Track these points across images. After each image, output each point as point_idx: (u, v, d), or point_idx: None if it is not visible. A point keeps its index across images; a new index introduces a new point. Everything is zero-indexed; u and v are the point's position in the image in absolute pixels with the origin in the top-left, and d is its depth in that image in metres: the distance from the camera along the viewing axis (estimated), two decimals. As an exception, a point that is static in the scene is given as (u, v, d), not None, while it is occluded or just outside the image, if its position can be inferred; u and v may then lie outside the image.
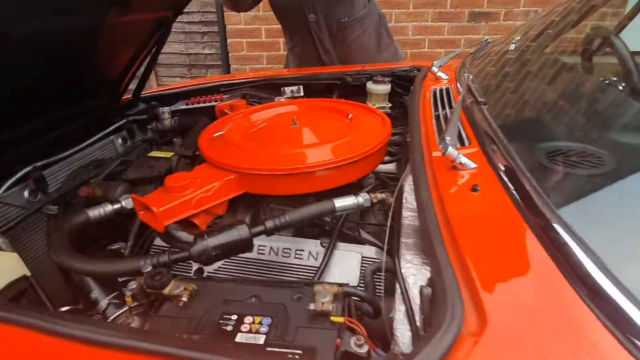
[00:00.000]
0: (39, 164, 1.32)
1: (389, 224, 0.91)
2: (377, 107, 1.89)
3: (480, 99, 1.07)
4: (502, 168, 0.78)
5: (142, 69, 1.89)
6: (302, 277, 1.02)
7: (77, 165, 1.52)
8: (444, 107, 1.18)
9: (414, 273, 0.72)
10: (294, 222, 0.93)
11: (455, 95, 1.27)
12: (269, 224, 0.90)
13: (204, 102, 2.01)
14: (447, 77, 1.50)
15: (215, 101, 2.00)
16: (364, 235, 1.16)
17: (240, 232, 0.86)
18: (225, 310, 0.71)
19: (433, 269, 0.62)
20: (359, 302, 0.79)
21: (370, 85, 1.88)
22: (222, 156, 1.08)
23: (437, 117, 1.12)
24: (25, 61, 1.27)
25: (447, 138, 0.81)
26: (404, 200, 0.93)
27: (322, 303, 0.68)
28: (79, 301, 1.06)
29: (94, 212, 1.01)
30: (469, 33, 3.79)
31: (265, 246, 1.07)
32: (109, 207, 1.03)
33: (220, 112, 1.65)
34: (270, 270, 1.04)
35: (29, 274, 0.97)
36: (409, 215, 0.88)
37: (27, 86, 1.36)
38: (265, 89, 2.13)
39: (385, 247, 0.88)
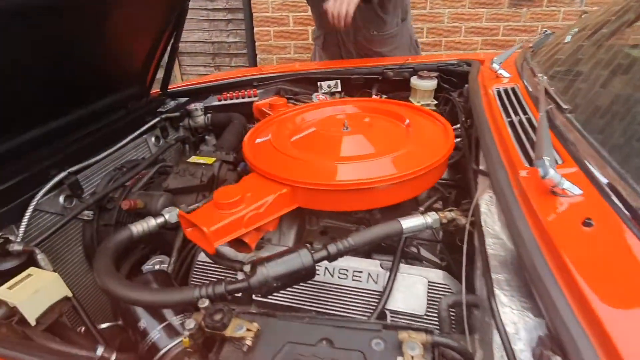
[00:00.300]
0: (73, 168, 1.25)
1: (464, 249, 0.81)
2: (422, 104, 1.77)
3: (564, 106, 0.94)
4: (616, 196, 0.66)
5: (165, 57, 1.80)
6: (362, 302, 0.93)
7: (111, 167, 1.46)
8: (516, 113, 1.05)
9: (514, 321, 0.62)
10: (359, 246, 0.83)
11: (525, 96, 1.14)
12: (332, 248, 0.81)
13: (237, 98, 1.91)
14: (508, 75, 1.36)
15: (249, 97, 1.91)
16: (425, 253, 1.06)
17: (303, 259, 0.77)
18: (296, 358, 0.62)
19: (555, 328, 0.52)
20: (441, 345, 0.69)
21: (415, 80, 1.75)
22: (274, 167, 0.99)
23: (512, 125, 0.99)
24: (46, 53, 1.20)
25: (546, 159, 0.69)
26: (482, 224, 0.82)
27: (412, 357, 0.58)
28: (118, 316, 1.00)
29: (138, 228, 0.93)
30: (509, 20, 3.57)
31: (319, 266, 0.98)
32: (152, 222, 0.96)
33: (259, 112, 1.56)
34: (326, 294, 0.95)
35: (70, 294, 0.91)
36: (492, 243, 0.78)
37: (52, 80, 1.29)
38: (300, 83, 2.02)
39: (464, 279, 0.77)
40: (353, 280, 0.96)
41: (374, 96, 1.92)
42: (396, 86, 1.92)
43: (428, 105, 1.77)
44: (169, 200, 1.06)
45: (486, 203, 0.87)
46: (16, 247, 0.96)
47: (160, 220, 0.98)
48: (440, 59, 1.90)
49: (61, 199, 1.24)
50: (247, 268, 0.96)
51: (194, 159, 1.21)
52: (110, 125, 1.63)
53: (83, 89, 1.48)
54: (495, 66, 1.38)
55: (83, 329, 0.95)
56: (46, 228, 1.19)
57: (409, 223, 0.88)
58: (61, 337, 0.86)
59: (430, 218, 0.89)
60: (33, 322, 0.82)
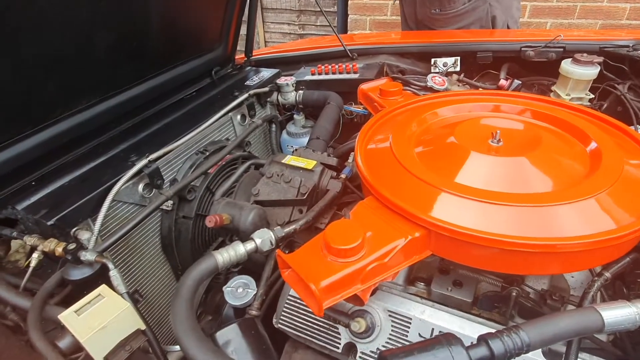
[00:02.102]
0: (154, 155, 1.09)
1: None
2: (573, 98, 1.36)
3: None
4: None
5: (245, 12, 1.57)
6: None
7: (194, 149, 1.29)
8: None
9: None
10: (537, 347, 0.56)
11: None
12: (497, 347, 0.54)
13: (334, 73, 1.64)
14: None
15: (348, 72, 1.62)
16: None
17: (456, 357, 0.52)
18: None
19: None
20: None
21: (568, 66, 1.33)
22: (403, 196, 0.72)
23: None
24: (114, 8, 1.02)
25: None
26: None
27: None
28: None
29: (224, 257, 0.74)
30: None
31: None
32: (241, 250, 0.76)
33: (365, 97, 1.28)
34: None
35: (143, 326, 0.75)
36: None
37: (122, 42, 1.11)
38: (409, 58, 1.69)
39: None
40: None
41: (502, 81, 1.54)
42: (535, 69, 1.51)
43: (580, 99, 1.36)
44: (259, 217, 0.86)
45: None
46: (88, 256, 0.82)
47: (250, 247, 0.77)
48: (605, 36, 1.44)
49: (140, 187, 1.09)
50: (355, 326, 0.74)
51: (290, 159, 0.98)
52: (195, 98, 1.46)
53: (159, 52, 1.31)
54: None
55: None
56: (124, 220, 1.05)
57: (613, 314, 0.58)
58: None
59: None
60: (100, 361, 0.68)
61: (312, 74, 1.67)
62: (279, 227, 0.82)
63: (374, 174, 0.79)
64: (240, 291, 0.91)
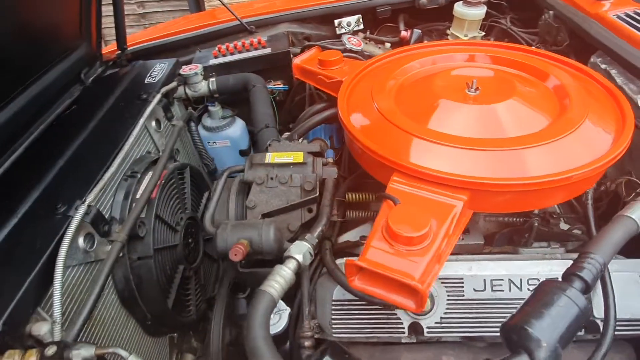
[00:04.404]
0: (90, 197, 0.84)
1: None
2: (470, 39, 1.51)
3: None
4: None
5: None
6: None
7: (119, 177, 1.03)
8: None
9: None
10: (609, 260, 0.62)
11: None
12: (587, 275, 0.59)
13: (240, 52, 1.48)
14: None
15: (256, 49, 1.48)
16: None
17: (578, 303, 0.55)
18: None
19: None
20: None
21: (462, 9, 1.45)
22: (441, 162, 0.71)
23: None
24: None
25: None
26: None
27: None
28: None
29: (277, 289, 0.62)
30: None
31: (502, 279, 0.77)
32: (287, 274, 0.65)
33: (303, 72, 1.18)
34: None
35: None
36: None
37: None
38: (310, 23, 1.62)
39: None
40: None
41: (402, 32, 1.61)
42: (428, 17, 1.62)
43: (475, 38, 1.51)
44: (278, 230, 0.74)
45: None
46: (84, 353, 0.60)
47: (293, 266, 0.67)
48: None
49: (80, 241, 0.84)
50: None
51: (272, 157, 0.86)
52: (91, 111, 1.16)
53: (17, 64, 1.00)
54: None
55: None
56: (72, 290, 0.81)
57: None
58: None
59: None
60: None
61: (216, 57, 1.48)
62: (308, 234, 0.73)
63: (395, 153, 0.75)
64: (272, 316, 0.80)
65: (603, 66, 1.05)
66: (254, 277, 0.79)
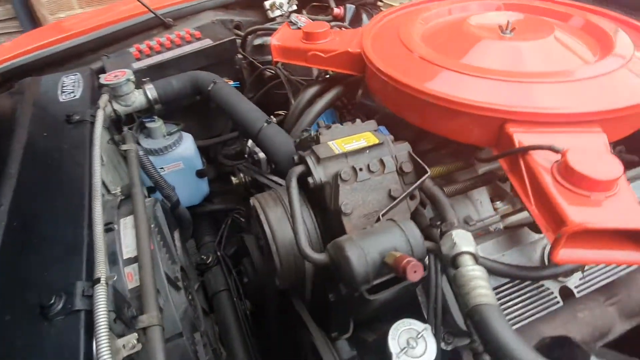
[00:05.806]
0: (100, 274, 0.50)
1: None
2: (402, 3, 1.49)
3: None
4: None
5: None
6: None
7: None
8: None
9: None
10: None
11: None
12: None
13: (169, 49, 1.16)
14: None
15: (189, 42, 1.18)
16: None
17: None
18: None
19: None
20: None
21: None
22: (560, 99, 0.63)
23: None
24: None
25: None
26: None
27: None
28: None
29: (490, 295, 0.45)
30: None
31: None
32: (479, 270, 0.48)
33: (285, 52, 0.97)
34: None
35: None
36: None
37: None
38: (234, 9, 1.38)
39: None
40: None
41: (335, 10, 1.50)
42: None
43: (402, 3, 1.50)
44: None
45: None
46: None
47: (472, 262, 0.51)
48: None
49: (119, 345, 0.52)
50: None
51: (341, 145, 0.65)
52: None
53: None
54: None
55: None
56: None
57: None
58: None
59: None
60: None
61: (138, 59, 1.14)
62: (447, 223, 0.57)
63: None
64: (412, 344, 0.61)
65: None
66: (377, 304, 0.58)
